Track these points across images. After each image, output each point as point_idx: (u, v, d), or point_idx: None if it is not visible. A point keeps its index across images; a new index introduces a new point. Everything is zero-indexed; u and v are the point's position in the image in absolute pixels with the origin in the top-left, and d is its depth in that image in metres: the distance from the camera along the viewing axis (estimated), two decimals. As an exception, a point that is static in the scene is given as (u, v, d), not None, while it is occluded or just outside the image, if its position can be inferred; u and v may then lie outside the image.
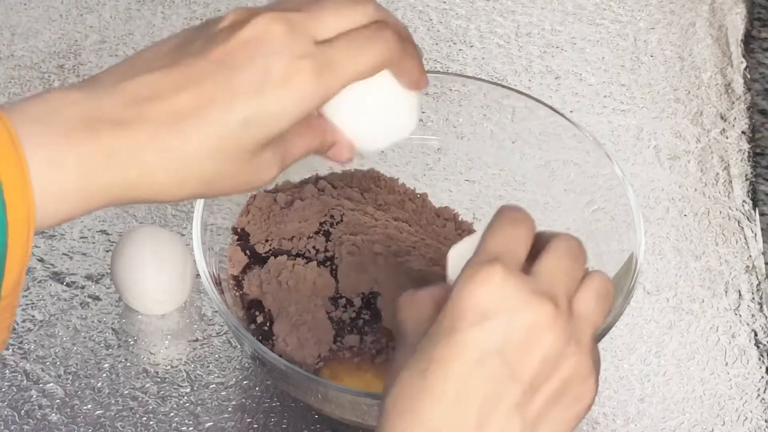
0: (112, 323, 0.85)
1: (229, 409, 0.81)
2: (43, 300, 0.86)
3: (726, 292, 0.89)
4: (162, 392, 0.82)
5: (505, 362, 0.52)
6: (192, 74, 0.54)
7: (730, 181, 0.96)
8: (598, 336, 0.71)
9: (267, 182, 0.58)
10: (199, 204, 0.79)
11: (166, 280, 0.83)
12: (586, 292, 0.56)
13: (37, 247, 0.89)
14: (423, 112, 0.89)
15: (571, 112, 1.00)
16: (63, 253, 0.89)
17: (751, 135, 1.00)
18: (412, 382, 0.53)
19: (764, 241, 0.92)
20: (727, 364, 0.85)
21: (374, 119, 0.61)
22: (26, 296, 0.86)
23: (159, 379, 0.82)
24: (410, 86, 0.61)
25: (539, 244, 0.57)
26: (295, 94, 0.55)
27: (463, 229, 0.85)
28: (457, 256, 0.59)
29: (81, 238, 0.90)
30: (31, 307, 0.86)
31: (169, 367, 0.83)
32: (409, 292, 0.57)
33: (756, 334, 0.86)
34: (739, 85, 1.03)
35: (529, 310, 0.53)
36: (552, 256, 0.55)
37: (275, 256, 0.81)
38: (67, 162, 0.52)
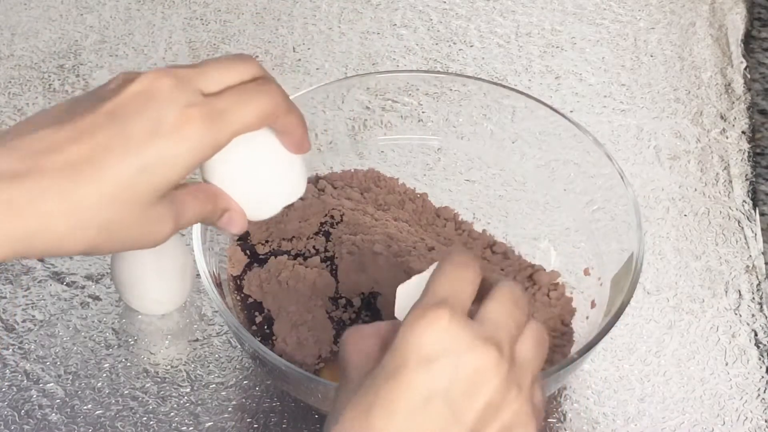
0: (112, 323, 0.85)
1: (229, 409, 0.81)
2: (43, 300, 0.86)
3: (726, 292, 0.89)
4: (162, 392, 0.82)
5: (449, 405, 0.53)
6: (85, 127, 0.56)
7: (730, 181, 0.96)
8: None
9: (161, 239, 0.59)
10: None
11: (166, 280, 0.83)
12: (527, 339, 0.56)
13: (37, 247, 0.89)
14: (423, 112, 0.90)
15: (571, 112, 1.00)
16: (63, 253, 0.89)
17: (751, 135, 1.00)
18: (355, 421, 0.53)
19: (764, 241, 0.92)
20: (727, 364, 0.85)
21: (262, 185, 0.62)
22: (26, 296, 0.86)
23: (159, 379, 0.82)
24: (294, 148, 0.62)
25: (484, 289, 0.58)
26: (186, 141, 0.56)
27: (463, 229, 0.85)
28: (405, 293, 0.60)
29: (81, 238, 0.90)
30: (31, 307, 0.86)
31: (169, 367, 0.83)
32: (355, 328, 0.58)
33: (756, 334, 0.86)
34: (739, 85, 1.03)
35: (474, 355, 0.53)
36: (496, 302, 0.56)
37: (275, 256, 0.82)
38: None
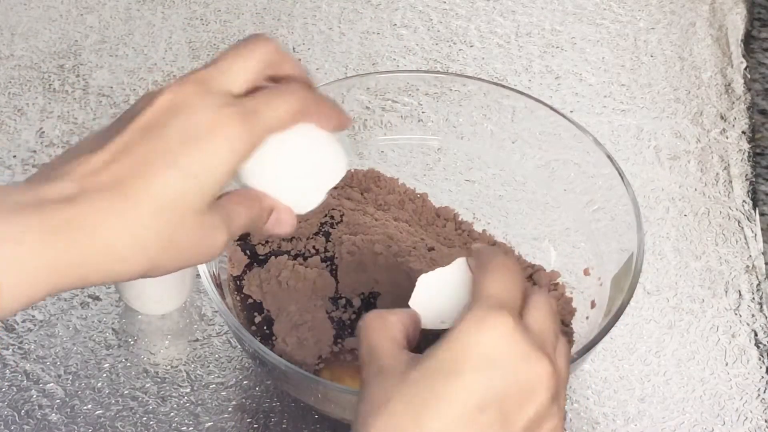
0: (112, 323, 0.85)
1: (229, 409, 0.81)
2: (43, 300, 0.86)
3: (726, 292, 0.89)
4: (162, 392, 0.82)
5: (502, 412, 0.53)
6: (122, 147, 0.55)
7: (730, 181, 0.96)
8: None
9: (217, 250, 0.58)
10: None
11: (166, 280, 0.83)
12: (561, 351, 0.57)
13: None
14: (423, 112, 0.90)
15: (571, 112, 1.00)
16: (63, 253, 0.89)
17: (751, 135, 1.00)
18: (405, 416, 0.53)
19: (764, 241, 0.92)
20: (727, 364, 0.85)
21: (302, 178, 0.61)
22: (26, 296, 0.86)
23: (159, 379, 0.82)
24: (335, 128, 0.61)
25: None
26: (225, 141, 0.56)
27: (463, 229, 0.85)
28: (426, 285, 0.59)
29: (81, 238, 0.90)
30: (31, 307, 0.86)
31: (169, 367, 0.83)
32: (377, 313, 0.58)
33: (756, 334, 0.86)
34: (739, 85, 1.03)
35: (532, 365, 0.54)
36: (540, 312, 0.56)
37: (275, 256, 0.82)
38: (23, 237, 0.52)
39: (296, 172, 0.61)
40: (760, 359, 0.85)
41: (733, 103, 1.02)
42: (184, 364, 0.83)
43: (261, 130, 0.57)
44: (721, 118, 1.01)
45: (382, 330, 0.57)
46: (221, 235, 0.58)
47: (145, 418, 0.80)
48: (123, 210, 0.54)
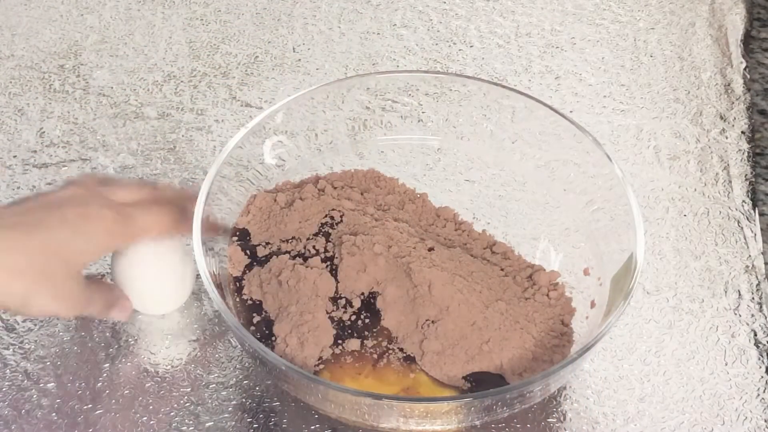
0: (112, 323, 0.85)
1: (229, 409, 0.81)
2: None
3: (726, 292, 0.89)
4: (162, 392, 0.82)
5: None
6: (29, 206, 0.76)
7: (730, 181, 0.96)
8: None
9: (73, 311, 0.78)
10: (199, 204, 0.79)
11: (166, 280, 0.83)
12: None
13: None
14: (423, 112, 0.90)
15: (571, 112, 1.00)
16: (63, 253, 0.89)
17: (750, 135, 1.00)
18: None
19: (764, 241, 0.92)
20: (726, 364, 0.85)
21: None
22: (26, 296, 0.86)
23: (159, 379, 0.82)
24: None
25: None
26: (104, 230, 0.76)
27: (463, 229, 0.85)
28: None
29: (81, 238, 0.90)
30: (32, 307, 0.86)
31: (169, 367, 0.83)
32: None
33: (756, 334, 0.86)
34: (738, 85, 1.03)
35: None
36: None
37: (275, 256, 0.82)
38: None
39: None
40: (759, 359, 0.85)
41: (733, 103, 1.02)
42: (184, 364, 0.83)
43: (132, 232, 0.77)
44: (721, 118, 1.01)
45: None
46: (79, 301, 0.76)
47: (145, 418, 0.80)
48: (18, 239, 0.72)
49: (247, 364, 0.83)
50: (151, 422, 0.80)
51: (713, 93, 1.03)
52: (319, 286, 0.79)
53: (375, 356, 0.78)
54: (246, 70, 1.05)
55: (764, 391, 0.83)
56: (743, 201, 0.95)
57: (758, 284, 0.89)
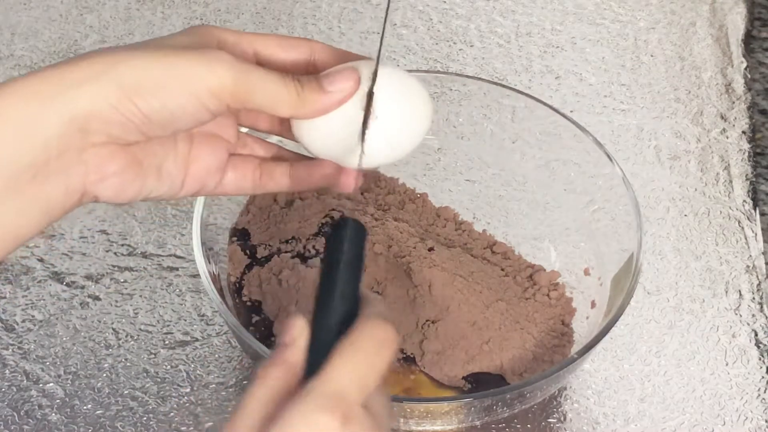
0: (112, 323, 0.85)
1: (229, 409, 0.81)
2: (43, 300, 0.86)
3: (726, 292, 0.89)
4: (162, 392, 0.82)
5: None
6: None
7: (731, 181, 0.96)
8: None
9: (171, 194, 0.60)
10: (199, 204, 0.79)
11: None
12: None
13: (36, 247, 0.89)
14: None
15: (571, 112, 1.00)
16: (63, 253, 0.89)
17: (751, 135, 1.00)
18: None
19: (764, 241, 0.92)
20: (727, 364, 0.85)
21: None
22: (26, 296, 0.86)
23: (159, 379, 0.82)
24: None
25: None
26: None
27: (463, 229, 0.85)
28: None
29: (81, 238, 0.90)
30: (31, 307, 0.86)
31: (169, 367, 0.83)
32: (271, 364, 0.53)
33: (756, 334, 0.86)
34: (739, 85, 1.03)
35: None
36: (379, 394, 0.53)
37: (276, 256, 0.81)
38: None
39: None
40: (760, 359, 0.85)
41: (734, 102, 1.02)
42: (184, 364, 0.83)
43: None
44: (722, 117, 1.01)
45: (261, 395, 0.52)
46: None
47: (145, 418, 0.80)
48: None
49: (247, 364, 0.83)
50: (151, 422, 0.80)
51: (714, 93, 1.03)
52: (319, 286, 0.79)
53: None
54: (246, 70, 1.04)
55: (765, 392, 0.83)
56: (744, 201, 0.95)
57: (759, 284, 0.89)
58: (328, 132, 0.59)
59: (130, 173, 0.56)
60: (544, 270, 0.83)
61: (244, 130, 0.64)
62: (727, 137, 0.99)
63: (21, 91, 0.52)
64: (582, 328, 0.80)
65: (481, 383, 0.76)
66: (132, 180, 0.56)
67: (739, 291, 0.89)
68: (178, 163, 0.58)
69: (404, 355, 0.78)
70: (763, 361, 0.85)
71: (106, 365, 0.83)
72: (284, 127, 0.63)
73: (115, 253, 0.89)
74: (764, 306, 0.88)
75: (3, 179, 0.52)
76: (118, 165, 0.55)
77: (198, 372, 0.83)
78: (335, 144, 0.59)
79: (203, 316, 0.86)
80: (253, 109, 0.58)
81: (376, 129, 0.59)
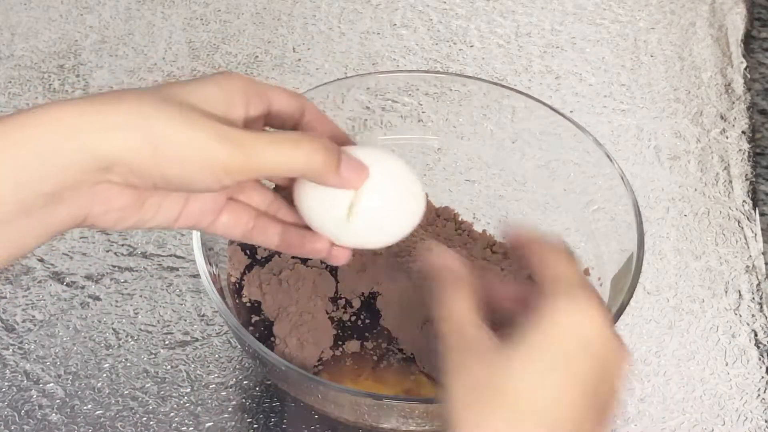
0: (112, 323, 0.85)
1: (229, 409, 0.81)
2: (43, 300, 0.86)
3: (726, 292, 0.89)
4: (162, 392, 0.82)
5: (598, 394, 0.54)
6: None
7: (730, 181, 0.96)
8: None
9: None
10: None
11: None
12: None
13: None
14: (423, 112, 0.90)
15: (571, 112, 1.00)
16: (63, 253, 0.89)
17: (751, 135, 1.00)
18: (514, 410, 0.53)
19: (764, 241, 0.92)
20: (727, 364, 0.85)
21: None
22: (26, 296, 0.86)
23: (159, 379, 0.82)
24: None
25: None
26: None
27: (463, 229, 0.85)
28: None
29: (81, 238, 0.90)
30: (31, 307, 0.86)
31: (169, 367, 0.83)
32: (449, 271, 0.59)
33: (756, 334, 0.86)
34: (739, 85, 1.03)
35: (618, 349, 0.55)
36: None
37: (276, 256, 0.81)
38: None
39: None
40: (760, 359, 0.85)
41: (733, 103, 1.02)
42: (184, 364, 0.83)
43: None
44: (721, 118, 1.01)
45: (462, 294, 0.57)
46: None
47: (145, 418, 0.80)
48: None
49: (247, 364, 0.83)
50: (151, 422, 0.80)
51: (714, 93, 1.03)
52: (318, 286, 0.79)
53: (375, 358, 0.78)
54: (246, 70, 1.04)
55: (765, 392, 0.83)
56: (744, 201, 0.95)
57: (759, 284, 0.89)
58: (323, 209, 0.62)
59: (133, 209, 0.58)
60: (544, 270, 0.83)
61: None
62: (727, 137, 0.99)
63: (55, 121, 0.53)
64: (582, 328, 0.80)
65: (481, 383, 0.76)
66: (132, 215, 0.58)
67: (739, 291, 0.89)
68: (178, 202, 0.61)
69: (404, 355, 0.78)
70: (763, 361, 0.85)
71: (106, 365, 0.83)
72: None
73: (115, 253, 0.89)
74: (764, 306, 0.88)
75: (18, 203, 0.53)
76: (124, 202, 0.57)
77: (198, 372, 0.83)
78: (329, 221, 0.62)
79: (203, 316, 0.86)
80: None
81: (365, 217, 0.61)
